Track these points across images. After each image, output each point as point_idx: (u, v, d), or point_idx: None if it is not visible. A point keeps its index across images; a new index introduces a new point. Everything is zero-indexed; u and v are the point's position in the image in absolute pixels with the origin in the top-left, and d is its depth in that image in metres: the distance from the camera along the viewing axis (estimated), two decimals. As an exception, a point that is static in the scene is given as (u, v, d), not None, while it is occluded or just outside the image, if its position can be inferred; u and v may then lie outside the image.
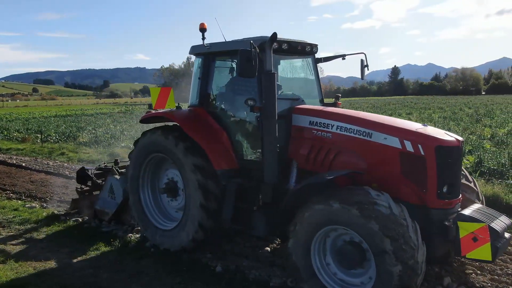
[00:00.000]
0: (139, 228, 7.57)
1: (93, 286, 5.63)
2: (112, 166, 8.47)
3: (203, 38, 6.32)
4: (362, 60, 6.47)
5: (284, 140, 5.78)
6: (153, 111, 7.07)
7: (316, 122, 5.60)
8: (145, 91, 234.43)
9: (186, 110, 6.68)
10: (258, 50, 5.11)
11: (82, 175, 8.65)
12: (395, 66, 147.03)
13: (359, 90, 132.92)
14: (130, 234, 7.43)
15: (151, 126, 7.16)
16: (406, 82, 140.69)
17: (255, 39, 5.52)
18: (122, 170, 8.21)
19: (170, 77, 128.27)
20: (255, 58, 5.02)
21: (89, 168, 8.88)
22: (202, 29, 6.26)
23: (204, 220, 6.02)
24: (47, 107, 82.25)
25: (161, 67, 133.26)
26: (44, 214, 8.65)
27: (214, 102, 6.63)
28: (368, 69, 6.45)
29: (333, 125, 5.45)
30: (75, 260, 6.48)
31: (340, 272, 4.79)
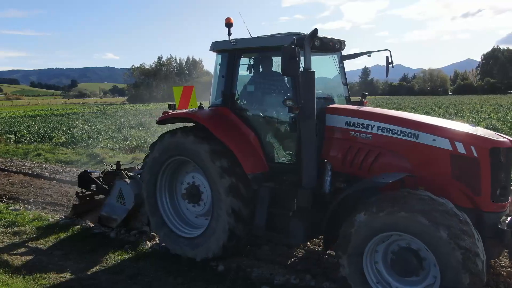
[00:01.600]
0: (135, 230, 7.40)
1: (94, 289, 5.52)
2: (120, 169, 8.02)
3: (229, 34, 5.96)
4: (387, 57, 6.20)
5: (317, 141, 5.39)
6: (171, 111, 6.75)
7: (354, 123, 5.37)
8: (114, 91, 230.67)
9: (210, 110, 6.32)
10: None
11: (85, 179, 8.17)
12: (365, 66, 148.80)
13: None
14: (123, 236, 7.31)
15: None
16: (376, 83, 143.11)
17: (288, 35, 5.29)
18: (130, 173, 7.77)
19: (141, 77, 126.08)
20: (299, 55, 4.82)
21: (92, 171, 8.47)
22: (228, 24, 5.93)
23: (236, 227, 5.70)
24: (13, 107, 79.86)
25: (132, 66, 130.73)
26: (31, 216, 8.40)
27: (239, 101, 6.25)
28: (393, 66, 6.23)
29: (374, 125, 5.22)
30: (70, 263, 6.32)
31: (382, 264, 4.63)
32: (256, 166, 5.77)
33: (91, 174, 8.14)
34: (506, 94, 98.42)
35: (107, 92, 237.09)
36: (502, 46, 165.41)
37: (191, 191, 6.30)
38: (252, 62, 6.38)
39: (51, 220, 8.19)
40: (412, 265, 4.34)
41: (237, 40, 5.94)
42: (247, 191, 5.71)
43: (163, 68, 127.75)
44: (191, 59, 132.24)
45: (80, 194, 8.27)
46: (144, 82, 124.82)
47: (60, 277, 5.86)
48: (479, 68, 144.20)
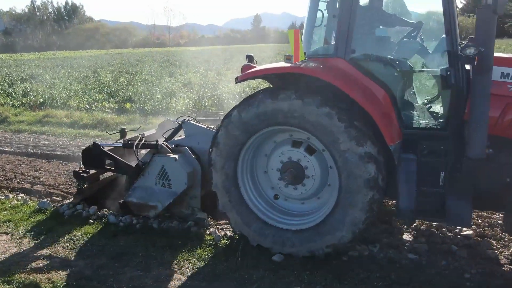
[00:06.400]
0: (181, 218, 5.93)
1: (77, 278, 4.56)
2: (157, 141, 5.96)
3: None
4: None
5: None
6: (257, 67, 5.27)
7: None
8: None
9: (324, 63, 4.80)
10: None
11: (95, 154, 6.01)
12: (257, 14, 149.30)
13: (223, 38, 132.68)
14: (81, 210, 6.18)
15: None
16: (267, 31, 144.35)
17: None
18: (172, 145, 5.95)
19: (11, 23, 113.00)
20: None
21: (104, 144, 6.26)
22: None
23: (374, 203, 4.48)
24: None
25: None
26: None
27: (359, 49, 4.85)
28: None
29: None
30: (27, 248, 5.24)
31: None
32: (396, 135, 4.60)
33: (103, 148, 6.06)
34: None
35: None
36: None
37: (292, 171, 4.84)
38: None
39: (2, 197, 6.84)
40: None
41: None
42: (384, 162, 4.56)
43: (38, 13, 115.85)
44: (70, 4, 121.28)
45: (84, 175, 6.11)
46: (16, 28, 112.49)
47: (28, 267, 4.78)
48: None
